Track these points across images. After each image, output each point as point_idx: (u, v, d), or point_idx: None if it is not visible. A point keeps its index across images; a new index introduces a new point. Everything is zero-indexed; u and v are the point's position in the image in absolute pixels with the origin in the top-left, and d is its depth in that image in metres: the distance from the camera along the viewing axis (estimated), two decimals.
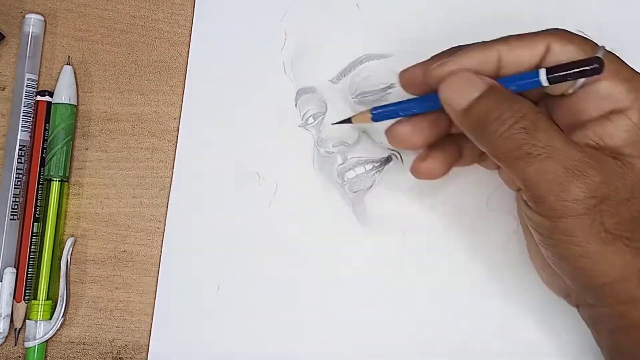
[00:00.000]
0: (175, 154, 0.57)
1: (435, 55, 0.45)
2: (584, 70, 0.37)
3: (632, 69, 0.40)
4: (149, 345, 0.56)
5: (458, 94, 0.41)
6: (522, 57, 0.41)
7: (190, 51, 0.58)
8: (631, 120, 0.39)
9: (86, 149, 0.58)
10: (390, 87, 0.55)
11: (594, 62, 0.37)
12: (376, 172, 0.55)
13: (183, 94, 0.58)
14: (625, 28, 0.54)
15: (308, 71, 0.56)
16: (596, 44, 0.40)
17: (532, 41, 0.41)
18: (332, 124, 0.53)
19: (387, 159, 0.55)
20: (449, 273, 0.54)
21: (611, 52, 0.41)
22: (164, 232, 0.56)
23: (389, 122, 0.47)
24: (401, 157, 0.54)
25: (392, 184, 0.54)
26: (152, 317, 0.56)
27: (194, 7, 0.58)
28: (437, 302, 0.54)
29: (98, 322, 0.56)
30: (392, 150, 0.54)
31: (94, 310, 0.57)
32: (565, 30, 0.41)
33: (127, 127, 0.58)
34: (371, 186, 0.55)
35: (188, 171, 0.57)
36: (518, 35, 0.41)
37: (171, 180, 0.57)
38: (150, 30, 0.59)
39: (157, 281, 0.56)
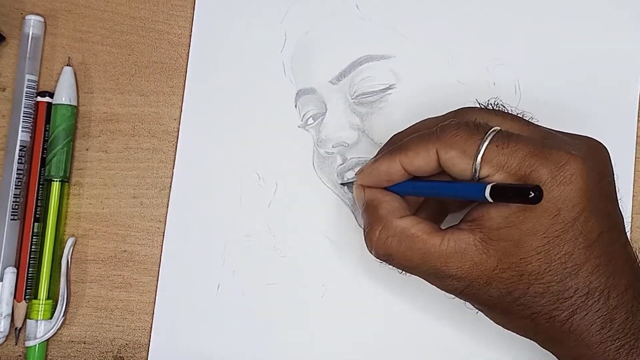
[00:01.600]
0: (175, 155, 0.57)
1: (379, 150, 0.50)
2: (524, 197, 0.38)
3: (524, 151, 0.40)
4: (149, 344, 0.56)
5: (357, 203, 0.49)
6: (420, 167, 0.44)
7: (190, 52, 0.58)
8: (509, 208, 0.40)
9: (87, 150, 0.58)
10: (389, 87, 0.55)
11: (535, 193, 0.37)
12: None
13: (183, 94, 0.58)
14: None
15: (308, 72, 0.57)
16: (485, 133, 0.41)
17: (424, 150, 0.43)
18: (341, 183, 0.56)
19: None
20: None
21: (500, 134, 0.41)
22: (164, 232, 0.57)
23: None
24: None
25: None
26: (153, 317, 0.56)
27: (194, 8, 0.59)
28: (437, 302, 0.54)
29: (98, 321, 0.57)
30: None
31: (95, 309, 0.57)
32: (454, 126, 0.42)
33: (128, 127, 0.58)
34: None
35: (188, 171, 0.57)
36: (412, 142, 0.44)
37: (171, 181, 0.57)
38: (150, 31, 0.59)
39: (157, 281, 0.56)
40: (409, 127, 0.48)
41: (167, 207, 0.57)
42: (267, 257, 0.56)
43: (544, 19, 0.55)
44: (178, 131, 0.58)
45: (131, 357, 0.56)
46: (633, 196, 0.55)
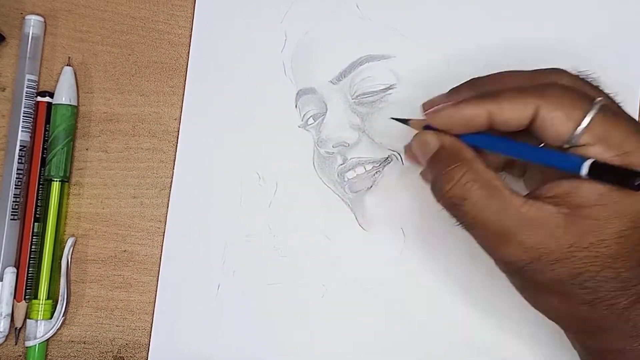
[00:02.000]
0: (175, 155, 0.57)
1: (453, 88, 0.47)
2: (624, 181, 0.38)
3: (626, 129, 0.40)
4: (149, 344, 0.56)
5: (419, 153, 0.47)
6: (511, 120, 0.42)
7: (190, 52, 0.58)
8: (605, 186, 0.39)
9: (87, 150, 0.58)
10: (390, 87, 0.55)
11: (635, 179, 0.37)
12: (376, 172, 0.55)
13: (183, 94, 0.58)
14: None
15: (308, 72, 0.57)
16: (592, 102, 0.40)
17: (522, 104, 0.41)
18: (393, 118, 0.51)
19: (387, 160, 0.55)
20: (449, 273, 0.54)
21: (605, 107, 0.40)
22: (164, 232, 0.57)
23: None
24: (401, 158, 0.55)
25: (392, 184, 0.55)
26: (153, 317, 0.56)
27: (194, 8, 0.59)
28: (437, 302, 0.54)
29: (98, 321, 0.57)
30: (392, 150, 0.55)
31: (95, 309, 0.57)
32: (559, 87, 0.41)
33: (128, 127, 0.58)
34: (371, 186, 0.55)
35: (188, 171, 0.57)
36: (508, 93, 0.42)
37: (171, 181, 0.57)
38: (150, 31, 0.59)
39: (157, 281, 0.56)
40: (493, 74, 0.46)
41: (167, 207, 0.57)
42: (268, 257, 0.56)
43: (544, 20, 0.55)
44: (178, 131, 0.58)
45: (131, 357, 0.56)
46: None
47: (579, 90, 0.41)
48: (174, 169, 0.57)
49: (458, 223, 0.43)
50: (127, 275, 0.57)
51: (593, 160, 0.39)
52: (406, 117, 0.49)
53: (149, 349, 0.56)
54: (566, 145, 0.40)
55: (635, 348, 0.41)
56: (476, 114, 0.42)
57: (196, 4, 0.59)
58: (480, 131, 0.43)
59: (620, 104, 0.43)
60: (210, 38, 0.58)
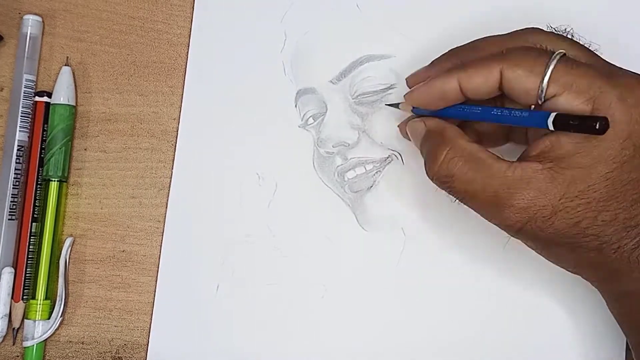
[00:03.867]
0: (174, 155, 0.57)
1: (434, 60, 0.49)
2: (589, 127, 0.38)
3: (592, 74, 0.40)
4: (148, 345, 0.56)
5: (414, 142, 0.49)
6: (480, 86, 0.43)
7: (189, 52, 0.58)
8: (581, 134, 0.40)
9: (85, 150, 0.58)
10: (390, 87, 0.55)
11: (600, 124, 0.38)
12: (376, 172, 0.55)
13: (182, 94, 0.58)
14: None
15: (308, 72, 0.57)
16: (551, 54, 0.41)
17: (486, 68, 0.43)
18: (386, 104, 0.55)
19: (388, 159, 0.55)
20: (450, 273, 0.54)
21: (567, 57, 0.41)
22: (163, 232, 0.57)
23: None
24: (401, 157, 0.55)
25: (392, 184, 0.55)
26: (151, 317, 0.56)
27: (193, 8, 0.59)
28: (437, 302, 0.54)
29: (97, 321, 0.57)
30: (393, 150, 0.55)
31: (93, 309, 0.57)
32: (521, 47, 0.43)
33: (127, 127, 0.58)
34: (371, 186, 0.55)
35: (187, 171, 0.57)
36: (474, 61, 0.44)
37: (170, 181, 0.57)
38: (149, 31, 0.59)
39: (156, 281, 0.56)
40: (468, 42, 0.48)
41: (166, 207, 0.57)
42: (267, 257, 0.56)
43: (545, 19, 0.55)
44: (177, 131, 0.57)
45: (130, 357, 0.56)
46: None
47: (540, 48, 0.43)
48: (172, 169, 0.57)
49: (454, 199, 0.45)
50: (125, 275, 0.57)
51: (556, 113, 0.39)
52: (405, 114, 0.51)
53: (147, 349, 0.56)
54: (539, 101, 0.41)
55: None
56: (448, 86, 0.44)
57: (195, 4, 0.59)
58: (459, 103, 0.45)
59: (596, 50, 0.45)
60: (210, 38, 0.58)
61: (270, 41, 0.57)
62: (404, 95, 0.48)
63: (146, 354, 0.56)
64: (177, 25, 0.59)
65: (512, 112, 0.43)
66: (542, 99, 0.41)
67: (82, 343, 0.56)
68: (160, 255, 0.57)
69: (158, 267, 0.56)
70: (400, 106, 0.51)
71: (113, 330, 0.56)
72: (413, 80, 0.49)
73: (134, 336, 0.56)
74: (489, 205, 0.43)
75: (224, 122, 0.57)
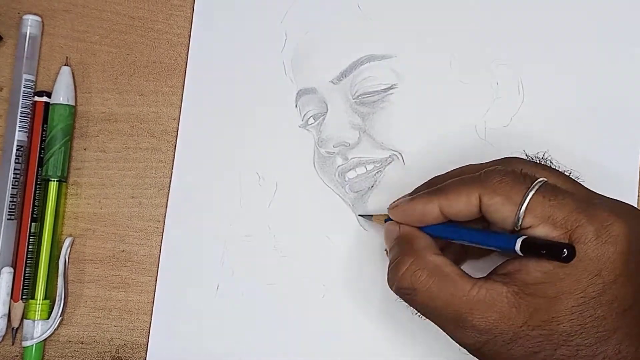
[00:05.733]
0: (174, 155, 0.57)
1: (415, 188, 0.50)
2: (556, 255, 0.38)
3: (569, 205, 0.40)
4: (147, 345, 0.56)
5: (386, 244, 0.48)
6: (460, 211, 0.43)
7: (189, 52, 0.58)
8: (550, 263, 0.40)
9: (84, 149, 0.58)
10: (391, 87, 0.55)
11: (567, 252, 0.38)
12: (377, 172, 0.55)
13: (182, 94, 0.58)
14: None
15: (308, 72, 0.57)
16: (532, 182, 0.41)
17: (465, 195, 0.42)
18: (359, 215, 0.55)
19: (389, 159, 0.55)
20: None
21: (546, 186, 0.41)
22: (163, 232, 0.57)
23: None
24: (402, 158, 0.55)
25: (393, 184, 0.55)
26: (151, 317, 0.56)
27: (193, 8, 0.59)
28: None
29: (96, 321, 0.56)
30: (394, 150, 0.55)
31: (93, 309, 0.57)
32: (498, 172, 0.42)
33: (126, 127, 0.58)
34: (372, 186, 0.55)
35: (187, 171, 0.57)
36: (454, 185, 0.44)
37: (170, 181, 0.57)
38: (149, 31, 0.59)
39: (155, 281, 0.56)
40: (451, 170, 0.48)
41: (166, 207, 0.57)
42: (267, 257, 0.56)
43: (547, 19, 0.56)
44: (177, 131, 0.58)
45: (129, 357, 0.56)
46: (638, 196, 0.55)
47: (519, 173, 0.42)
48: (172, 168, 0.57)
49: (415, 312, 0.44)
50: (125, 275, 0.57)
51: (524, 237, 0.39)
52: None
53: (147, 349, 0.56)
54: (516, 229, 0.41)
55: None
56: (427, 208, 0.45)
57: (195, 4, 0.59)
58: (439, 222, 0.45)
59: (577, 178, 0.44)
60: (210, 38, 0.58)
61: (271, 41, 0.58)
62: (387, 208, 0.48)
63: (146, 354, 0.56)
64: (177, 25, 0.59)
65: (482, 233, 0.43)
66: (519, 228, 0.40)
67: (82, 343, 0.56)
68: (160, 255, 0.57)
69: (158, 267, 0.56)
70: (373, 218, 0.53)
71: (112, 330, 0.56)
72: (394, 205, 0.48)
73: (134, 336, 0.56)
74: (449, 322, 0.42)
75: (224, 122, 0.57)
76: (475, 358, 0.43)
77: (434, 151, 0.55)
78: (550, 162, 0.46)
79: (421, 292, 0.42)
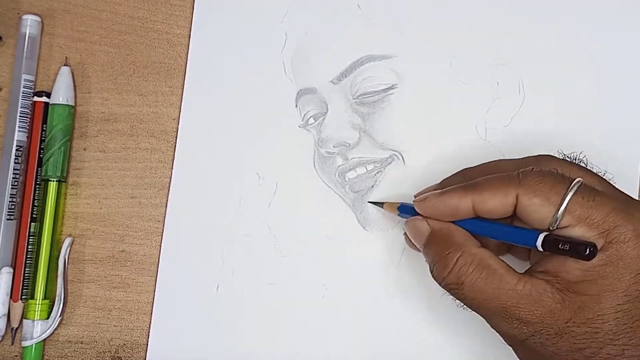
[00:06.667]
0: (174, 155, 0.57)
1: (444, 179, 0.50)
2: (578, 252, 0.38)
3: (607, 207, 0.40)
4: (147, 344, 0.56)
5: (414, 240, 0.48)
6: (494, 209, 0.43)
7: (189, 52, 0.58)
8: (589, 262, 0.40)
9: (84, 150, 0.58)
10: (391, 87, 0.55)
11: (590, 250, 0.38)
12: (377, 172, 0.55)
13: (182, 94, 0.58)
14: None
15: (309, 72, 0.57)
16: (570, 184, 0.41)
17: (502, 193, 0.42)
18: (369, 202, 0.55)
19: (389, 159, 0.55)
20: None
21: (584, 187, 0.41)
22: (162, 232, 0.57)
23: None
24: (403, 158, 0.55)
25: (393, 184, 0.55)
26: (151, 317, 0.56)
27: (193, 8, 0.59)
28: (437, 302, 0.54)
29: (96, 321, 0.56)
30: (394, 150, 0.55)
31: (92, 309, 0.57)
32: (537, 173, 0.42)
33: (126, 127, 0.58)
34: (372, 186, 0.55)
35: (187, 171, 0.57)
36: (489, 183, 0.43)
37: (170, 181, 0.57)
38: (149, 31, 0.59)
39: (155, 281, 0.56)
40: (482, 164, 0.48)
41: (166, 207, 0.57)
42: (267, 257, 0.56)
43: (547, 18, 0.56)
44: (177, 131, 0.58)
45: (129, 357, 0.56)
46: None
47: (558, 174, 0.42)
48: (172, 169, 0.57)
49: (460, 304, 0.44)
50: (125, 275, 0.57)
51: (545, 234, 0.39)
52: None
53: (147, 349, 0.56)
54: (551, 229, 0.41)
55: None
56: (460, 204, 0.44)
57: (195, 4, 0.59)
58: (469, 217, 0.45)
59: (610, 179, 0.44)
60: (210, 38, 0.58)
61: (271, 41, 0.58)
62: (414, 202, 0.47)
63: (145, 354, 0.56)
64: (177, 25, 0.59)
65: (503, 227, 0.43)
66: (555, 227, 0.40)
67: (81, 343, 0.56)
68: (159, 255, 0.57)
69: (157, 267, 0.56)
70: (384, 206, 0.52)
71: (112, 330, 0.56)
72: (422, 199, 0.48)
73: (133, 336, 0.56)
74: (495, 314, 0.42)
75: (224, 122, 0.57)
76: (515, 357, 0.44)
77: (435, 151, 0.55)
78: (584, 162, 0.46)
79: (468, 286, 0.43)
